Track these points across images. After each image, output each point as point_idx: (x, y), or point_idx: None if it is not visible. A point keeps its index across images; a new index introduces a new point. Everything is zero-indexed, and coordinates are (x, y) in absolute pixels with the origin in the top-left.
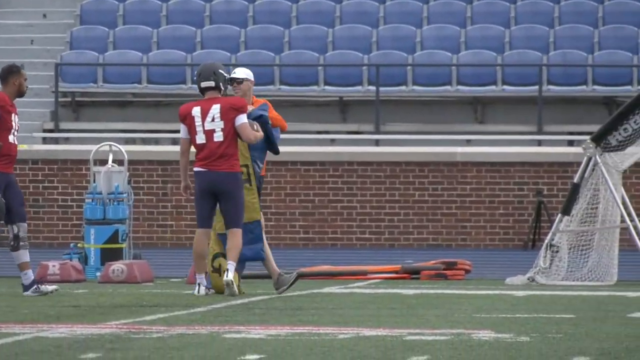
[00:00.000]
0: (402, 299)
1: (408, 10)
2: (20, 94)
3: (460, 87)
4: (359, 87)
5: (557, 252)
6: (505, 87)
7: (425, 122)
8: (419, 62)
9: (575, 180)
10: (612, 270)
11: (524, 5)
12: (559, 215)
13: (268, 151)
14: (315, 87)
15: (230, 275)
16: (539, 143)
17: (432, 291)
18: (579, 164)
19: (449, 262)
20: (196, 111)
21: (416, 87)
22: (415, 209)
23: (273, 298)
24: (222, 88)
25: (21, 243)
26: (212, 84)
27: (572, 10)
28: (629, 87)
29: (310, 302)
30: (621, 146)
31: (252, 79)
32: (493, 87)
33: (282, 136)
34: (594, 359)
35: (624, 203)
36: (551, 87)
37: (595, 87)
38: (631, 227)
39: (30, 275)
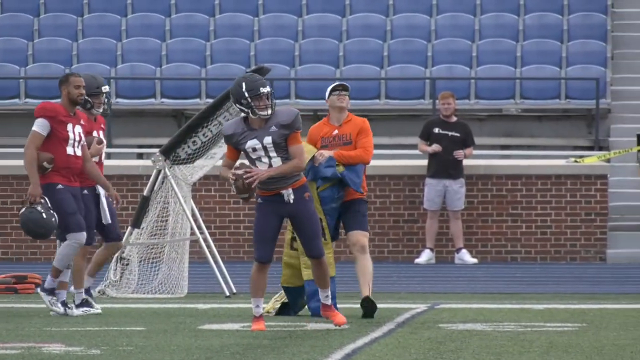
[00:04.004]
0: None
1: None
2: (73, 102)
3: (29, 100)
4: None
5: (127, 265)
6: None
7: (7, 135)
8: None
9: (145, 193)
10: (183, 282)
11: (91, 18)
12: (129, 228)
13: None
14: None
15: None
16: (109, 156)
17: (2, 305)
18: (148, 176)
19: (19, 275)
20: None
21: None
22: None
23: None
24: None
25: None
26: None
27: (140, 24)
28: (197, 100)
29: None
30: (190, 159)
31: None
32: None
33: None
34: None
35: (193, 215)
36: (120, 100)
37: (164, 100)
38: (201, 240)
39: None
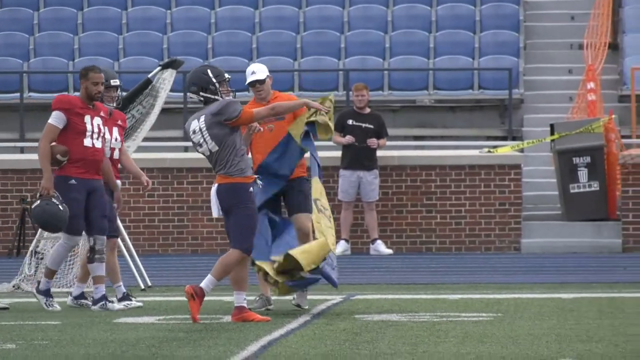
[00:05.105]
0: None
1: None
2: (90, 97)
3: (77, 94)
4: None
5: (42, 259)
6: None
7: None
8: None
9: None
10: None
11: (3, 11)
12: None
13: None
14: None
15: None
16: (22, 150)
17: None
18: None
19: None
20: None
21: None
22: None
23: None
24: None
25: (96, 256)
26: None
27: (52, 17)
28: None
29: None
30: None
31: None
32: None
33: None
34: None
35: None
36: (33, 94)
37: (77, 93)
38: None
39: (101, 290)
